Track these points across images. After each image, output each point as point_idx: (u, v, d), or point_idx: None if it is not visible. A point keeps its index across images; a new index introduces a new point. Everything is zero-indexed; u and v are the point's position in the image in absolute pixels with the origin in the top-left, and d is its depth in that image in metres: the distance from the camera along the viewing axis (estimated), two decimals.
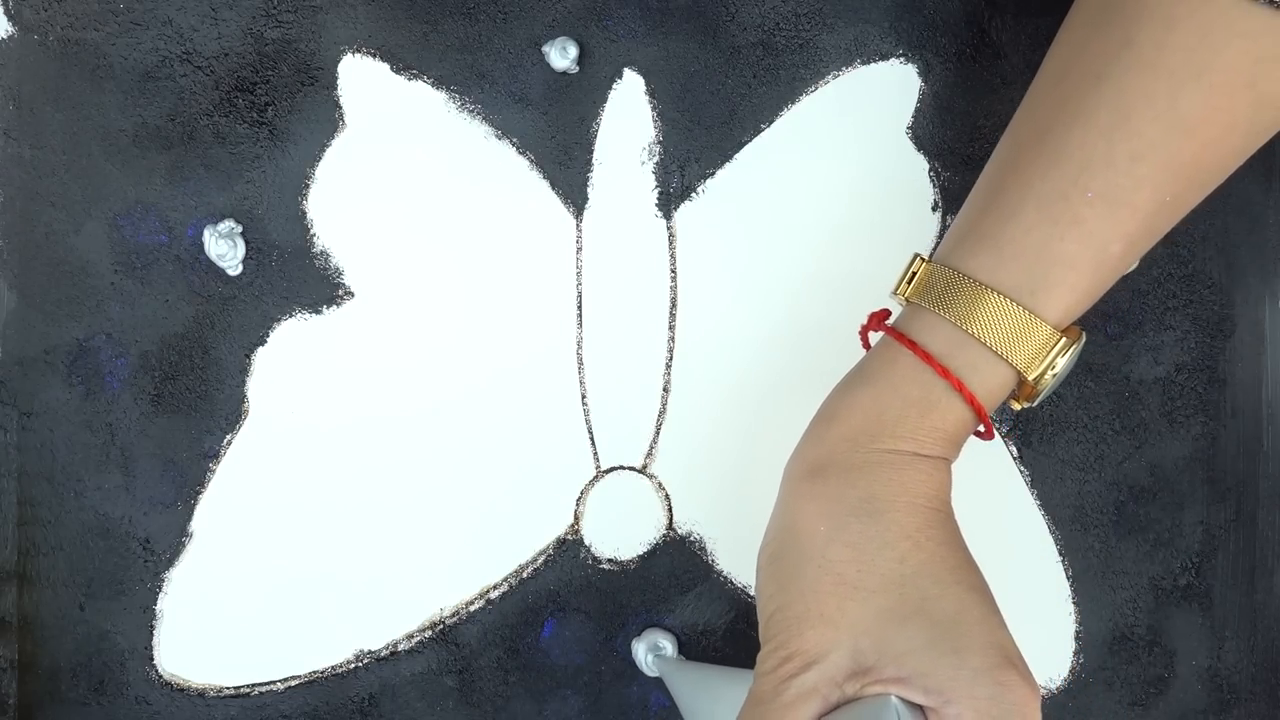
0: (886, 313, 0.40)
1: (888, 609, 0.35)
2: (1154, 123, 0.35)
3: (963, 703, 0.33)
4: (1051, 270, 0.36)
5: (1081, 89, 0.36)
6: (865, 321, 0.41)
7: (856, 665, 0.34)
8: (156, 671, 0.46)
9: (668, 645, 0.46)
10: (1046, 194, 0.36)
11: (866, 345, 0.42)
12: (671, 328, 0.47)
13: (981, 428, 0.38)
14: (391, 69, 0.46)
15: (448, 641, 0.47)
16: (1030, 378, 0.37)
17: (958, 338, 0.37)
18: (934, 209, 0.47)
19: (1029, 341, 0.36)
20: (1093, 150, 0.36)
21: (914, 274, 0.38)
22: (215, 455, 0.46)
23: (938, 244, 0.47)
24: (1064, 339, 0.36)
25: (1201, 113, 0.35)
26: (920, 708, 0.34)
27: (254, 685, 0.46)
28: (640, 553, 0.47)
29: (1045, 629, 0.48)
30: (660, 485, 0.47)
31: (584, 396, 0.47)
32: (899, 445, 0.36)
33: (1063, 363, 0.37)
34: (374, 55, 0.46)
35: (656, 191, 0.47)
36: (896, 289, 0.39)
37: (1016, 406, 0.38)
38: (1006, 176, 0.37)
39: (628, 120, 0.47)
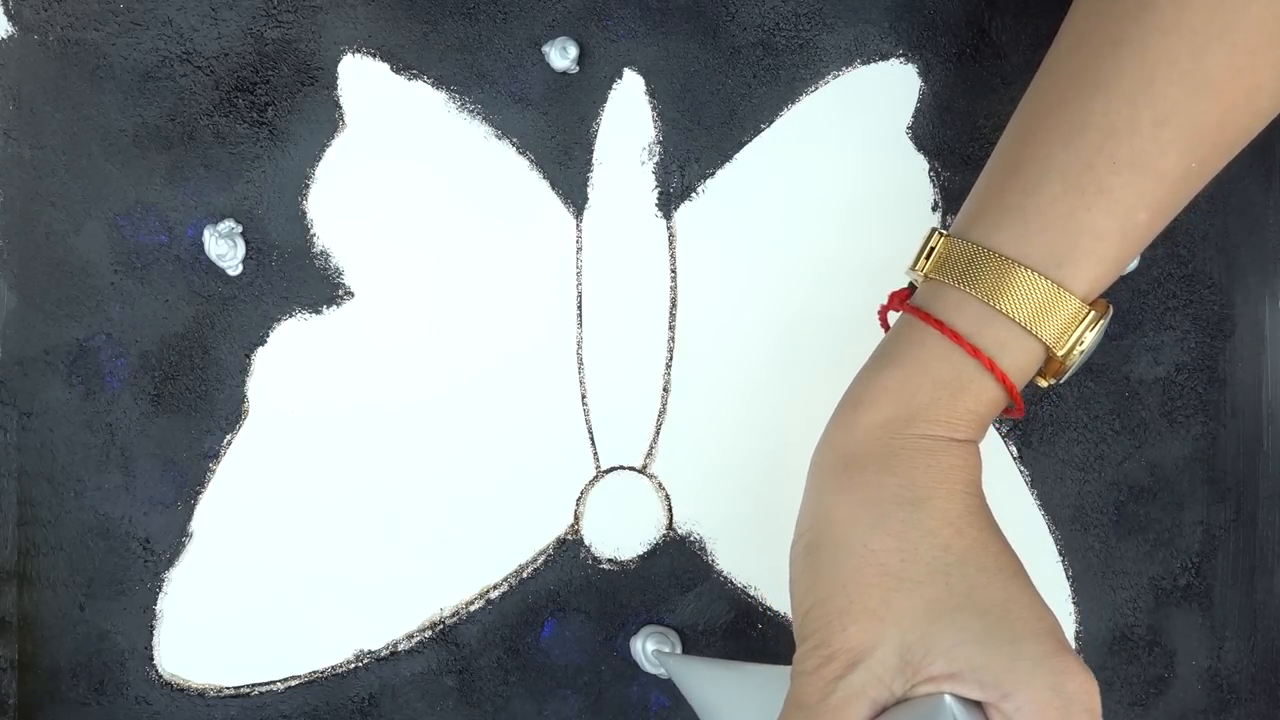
0: (909, 291, 0.39)
1: (935, 600, 0.33)
2: (1178, 85, 0.34)
3: (1022, 695, 0.32)
4: (1080, 241, 0.35)
5: (1101, 55, 0.35)
6: (885, 302, 0.39)
7: (904, 662, 0.33)
8: (156, 671, 0.46)
9: (669, 641, 0.46)
10: (1070, 164, 0.35)
11: (886, 326, 0.40)
12: (671, 328, 0.47)
13: (1011, 404, 0.37)
14: (391, 69, 0.46)
15: (448, 641, 0.47)
16: (1060, 353, 0.36)
17: (985, 315, 0.35)
18: (934, 209, 0.47)
19: (1058, 316, 0.35)
20: (1116, 117, 0.35)
21: (932, 249, 0.37)
22: (215, 455, 0.46)
23: None
24: (1092, 312, 0.35)
25: (1226, 74, 0.34)
26: (976, 703, 0.33)
27: (254, 685, 0.46)
28: (640, 552, 0.47)
29: None
30: (660, 485, 0.47)
31: (584, 396, 0.47)
32: (933, 430, 0.35)
33: (1091, 337, 0.36)
34: (374, 55, 0.46)
35: (656, 191, 0.47)
36: (915, 264, 0.38)
37: (1043, 383, 0.37)
38: (1026, 148, 0.36)
39: (628, 120, 0.47)
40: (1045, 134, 0.36)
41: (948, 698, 0.32)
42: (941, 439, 0.35)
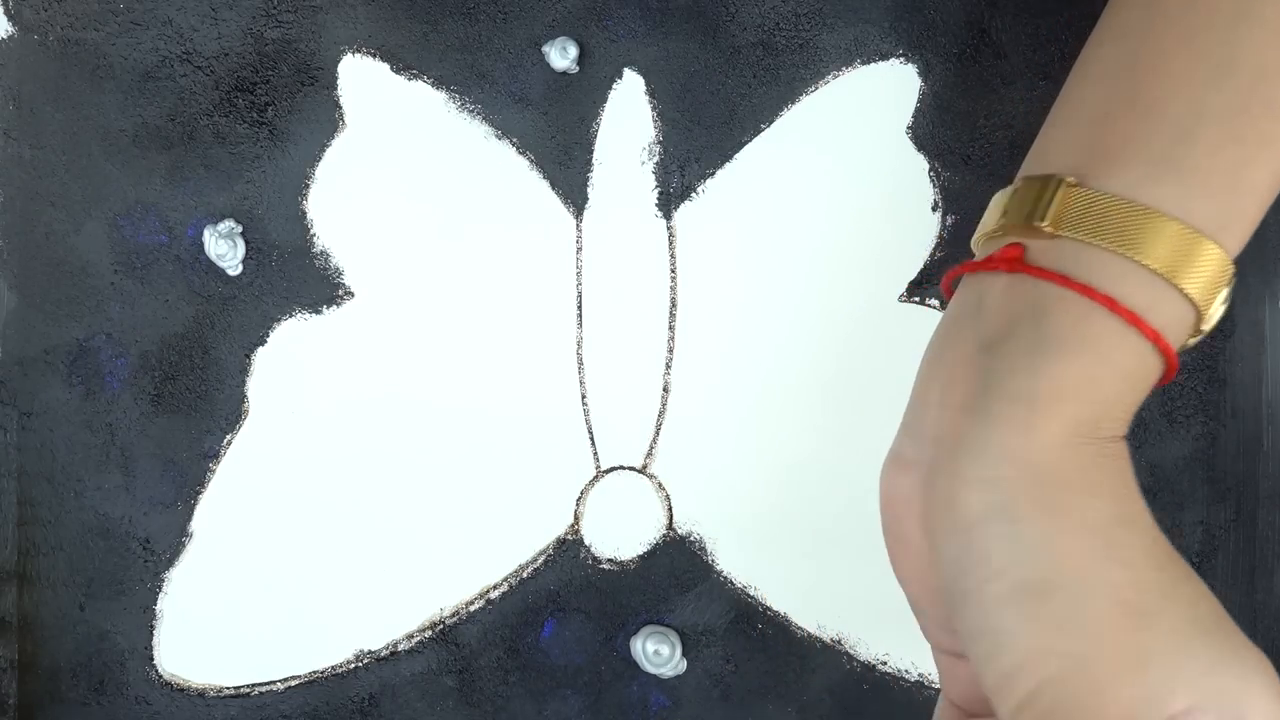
0: (1021, 248, 0.32)
1: (1173, 631, 0.28)
2: None
3: (1256, 709, 0.28)
4: (1245, 199, 0.30)
5: None
6: (981, 258, 0.33)
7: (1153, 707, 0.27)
8: (156, 671, 0.46)
9: (669, 642, 0.46)
10: (1223, 108, 0.30)
11: (949, 293, 0.35)
12: (671, 328, 0.47)
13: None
14: (391, 69, 0.46)
15: (448, 641, 0.47)
16: (1206, 327, 0.31)
17: (1157, 288, 0.30)
18: (934, 209, 0.47)
19: (1218, 285, 0.30)
20: (1265, 53, 0.30)
21: (1052, 197, 0.31)
22: (215, 455, 0.46)
23: (937, 244, 0.47)
24: (1234, 268, 0.31)
25: None
26: None
27: (254, 685, 0.46)
28: (640, 553, 0.47)
29: None
30: (660, 485, 0.47)
31: (584, 396, 0.47)
32: (1117, 430, 0.30)
33: (1226, 292, 0.31)
34: (374, 55, 0.46)
35: (656, 191, 0.47)
36: (1036, 216, 0.31)
37: (1191, 341, 0.32)
38: (1154, 84, 0.31)
39: (628, 120, 0.47)
40: (1180, 70, 0.31)
41: None
42: (1120, 439, 0.31)
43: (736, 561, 0.47)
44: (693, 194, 0.47)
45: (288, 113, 0.46)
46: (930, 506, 0.31)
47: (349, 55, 0.46)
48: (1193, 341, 0.32)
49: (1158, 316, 0.30)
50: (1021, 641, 0.28)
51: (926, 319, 0.48)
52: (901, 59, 0.47)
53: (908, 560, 0.35)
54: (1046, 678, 0.27)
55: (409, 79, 0.46)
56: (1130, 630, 0.28)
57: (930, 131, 0.47)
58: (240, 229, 0.46)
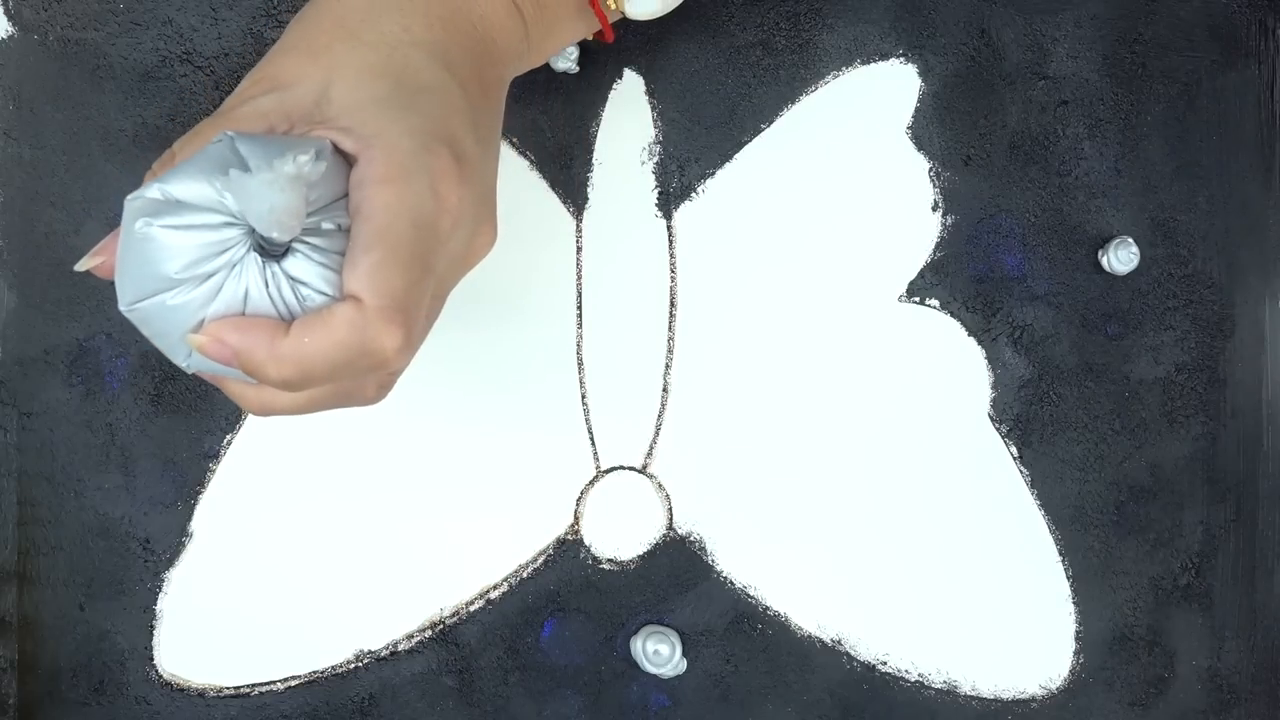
0: None
1: (370, 64, 0.33)
2: None
3: (378, 149, 0.31)
4: None
5: None
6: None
7: (317, 105, 0.33)
8: (156, 671, 0.46)
9: (670, 642, 0.46)
10: None
11: None
12: (671, 328, 0.47)
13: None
14: None
15: (448, 641, 0.47)
16: None
17: None
18: (934, 209, 0.47)
19: None
20: None
21: None
22: (215, 455, 0.46)
23: (937, 244, 0.47)
24: None
25: None
26: (349, 162, 0.32)
27: (254, 685, 0.46)
28: (640, 553, 0.47)
29: (1045, 629, 0.48)
30: (660, 485, 0.47)
31: (584, 396, 0.47)
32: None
33: None
34: None
35: (656, 191, 0.47)
36: None
37: (613, 5, 0.38)
38: None
39: (628, 120, 0.46)
40: None
41: (326, 141, 0.31)
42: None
43: (736, 561, 0.47)
44: (693, 194, 0.47)
45: None
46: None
47: None
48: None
49: None
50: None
51: (926, 319, 0.48)
52: (901, 59, 0.47)
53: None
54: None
55: None
56: (329, 36, 0.34)
57: (930, 131, 0.47)
58: None
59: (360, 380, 0.33)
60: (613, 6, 0.39)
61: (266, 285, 0.31)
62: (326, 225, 0.31)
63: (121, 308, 0.31)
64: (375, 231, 0.31)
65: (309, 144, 0.30)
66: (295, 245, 0.31)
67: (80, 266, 0.33)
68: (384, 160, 0.31)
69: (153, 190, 0.30)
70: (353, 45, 0.34)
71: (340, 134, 0.32)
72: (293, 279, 0.31)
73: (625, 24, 0.46)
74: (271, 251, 0.30)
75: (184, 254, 0.30)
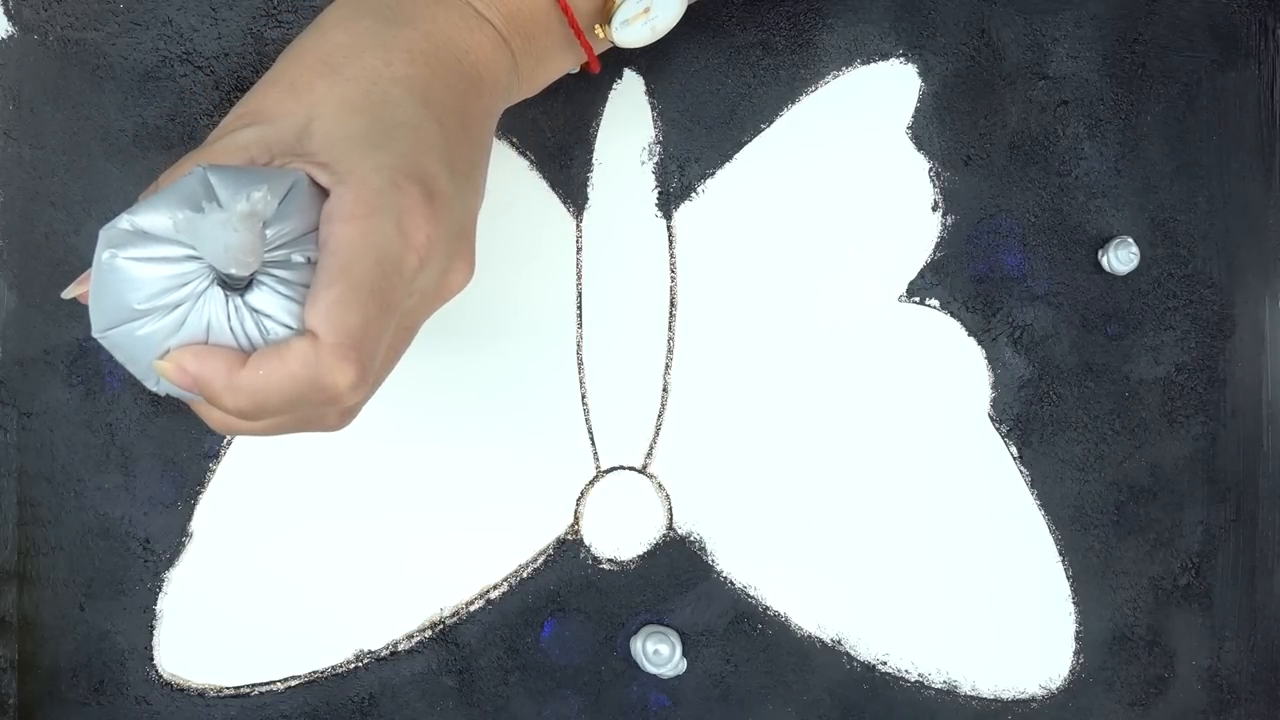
0: None
1: (349, 99, 0.33)
2: None
3: (349, 184, 0.32)
4: None
5: None
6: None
7: (297, 139, 0.33)
8: (156, 671, 0.46)
9: (670, 641, 0.46)
10: None
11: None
12: (671, 328, 0.47)
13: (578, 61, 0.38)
14: None
15: (448, 641, 0.47)
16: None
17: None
18: (934, 209, 0.47)
19: None
20: None
21: None
22: (215, 455, 0.46)
23: (937, 244, 0.47)
24: None
25: None
26: (325, 195, 0.32)
27: (254, 685, 0.46)
28: (640, 553, 0.47)
29: (1045, 629, 0.48)
30: (660, 485, 0.47)
31: (584, 396, 0.47)
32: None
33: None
34: None
35: (656, 191, 0.47)
36: None
37: (601, 34, 0.38)
38: None
39: (628, 120, 0.46)
40: None
41: (301, 173, 0.32)
42: (465, 1, 0.36)
43: (736, 561, 0.47)
44: (693, 194, 0.47)
45: None
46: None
47: None
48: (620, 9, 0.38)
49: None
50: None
51: (926, 319, 0.48)
52: (901, 59, 0.47)
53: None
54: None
55: None
56: (311, 71, 0.34)
57: (930, 131, 0.47)
58: None
59: (318, 411, 0.33)
60: (600, 36, 0.39)
61: (229, 317, 0.31)
62: (296, 258, 0.31)
63: (94, 334, 0.32)
64: (338, 267, 0.31)
65: (282, 176, 0.31)
66: (260, 278, 0.31)
67: (66, 294, 0.34)
68: (353, 196, 0.31)
69: (123, 221, 0.31)
70: (334, 80, 0.34)
71: (317, 168, 0.32)
72: (255, 311, 0.31)
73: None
74: (234, 285, 0.31)
75: (148, 285, 0.31)
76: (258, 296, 0.31)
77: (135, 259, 0.31)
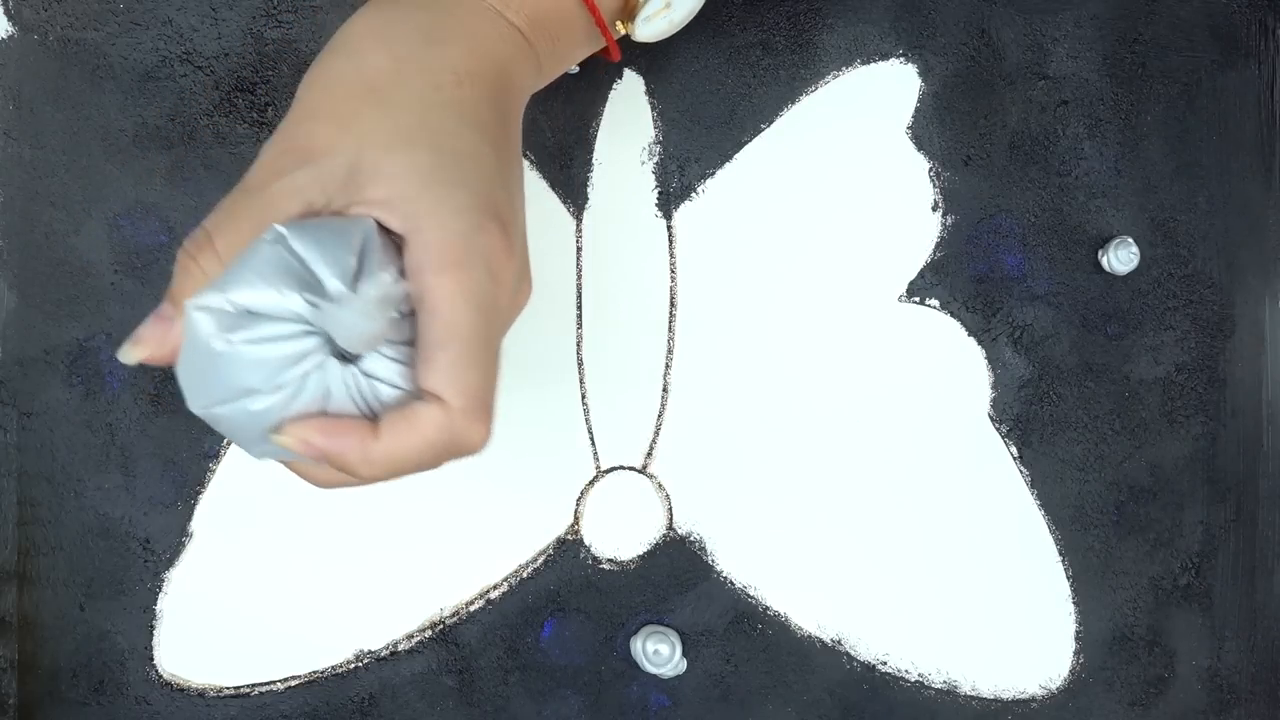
0: None
1: (403, 129, 0.32)
2: None
3: (432, 232, 0.31)
4: None
5: None
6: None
7: (350, 176, 0.32)
8: (156, 671, 0.46)
9: (670, 641, 0.46)
10: None
11: None
12: (671, 328, 0.47)
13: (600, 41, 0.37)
14: None
15: (448, 641, 0.47)
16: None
17: None
18: (934, 209, 0.47)
19: None
20: None
21: None
22: (215, 455, 0.46)
23: (937, 244, 0.47)
24: None
25: None
26: (396, 242, 0.32)
27: (254, 685, 0.46)
28: (640, 553, 0.47)
29: (1045, 629, 0.48)
30: (660, 485, 0.47)
31: (584, 396, 0.47)
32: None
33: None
34: None
35: (656, 191, 0.47)
36: None
37: (622, 30, 0.38)
38: None
39: (628, 120, 0.46)
40: None
41: (371, 221, 0.31)
42: (492, 8, 0.35)
43: (736, 561, 0.47)
44: (693, 194, 0.47)
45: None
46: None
47: None
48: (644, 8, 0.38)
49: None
50: (299, 89, 0.34)
51: (926, 319, 0.48)
52: (901, 59, 0.47)
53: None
54: (290, 112, 0.34)
55: None
56: (357, 101, 0.33)
57: (930, 131, 0.47)
58: None
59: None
60: (621, 30, 0.39)
61: (346, 385, 0.31)
62: (392, 314, 0.31)
63: (195, 410, 0.31)
64: (445, 327, 0.31)
65: (356, 228, 0.31)
66: None
67: (127, 359, 0.33)
68: (439, 247, 0.31)
69: (217, 299, 0.30)
70: (383, 109, 0.33)
71: (383, 210, 0.32)
72: (369, 375, 0.31)
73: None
74: (351, 356, 0.31)
75: (266, 366, 0.30)
76: (370, 362, 0.31)
77: (249, 341, 0.30)
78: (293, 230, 0.30)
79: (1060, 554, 0.48)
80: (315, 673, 0.46)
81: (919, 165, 0.47)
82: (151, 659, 0.46)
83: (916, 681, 0.48)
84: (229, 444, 0.46)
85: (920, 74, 0.47)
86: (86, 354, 0.46)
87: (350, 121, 0.33)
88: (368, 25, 0.35)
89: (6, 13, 0.45)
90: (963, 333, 0.48)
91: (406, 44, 0.34)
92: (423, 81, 0.33)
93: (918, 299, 0.47)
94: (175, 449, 0.46)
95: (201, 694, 0.46)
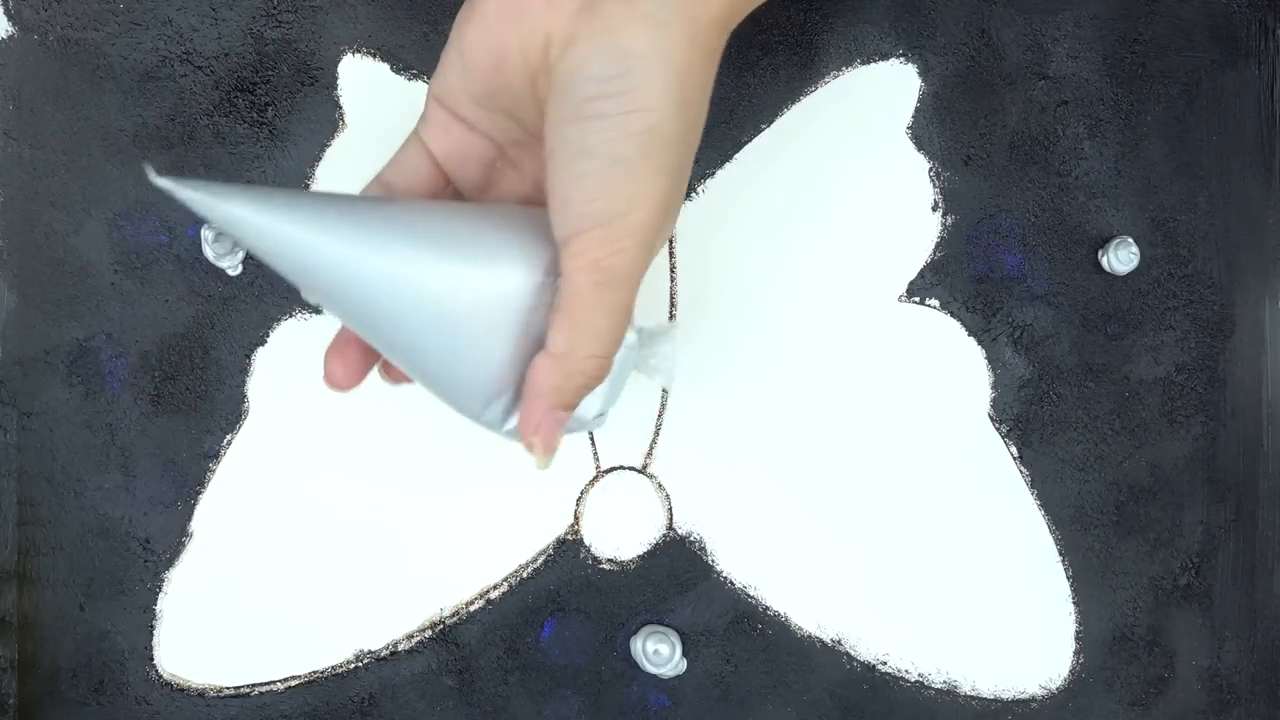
0: None
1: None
2: None
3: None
4: None
5: None
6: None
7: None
8: (156, 671, 0.46)
9: (670, 641, 0.46)
10: None
11: None
12: None
13: None
14: (391, 69, 0.46)
15: (448, 641, 0.47)
16: None
17: None
18: (934, 209, 0.47)
19: None
20: None
21: None
22: (215, 455, 0.46)
23: (937, 244, 0.47)
24: None
25: None
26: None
27: (254, 685, 0.46)
28: (640, 553, 0.47)
29: (1045, 629, 0.48)
30: (660, 485, 0.47)
31: None
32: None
33: None
34: (374, 55, 0.46)
35: None
36: None
37: None
38: None
39: None
40: None
41: (674, 329, 0.38)
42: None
43: (736, 561, 0.47)
44: (693, 194, 0.47)
45: (288, 113, 0.46)
46: (586, 28, 0.32)
47: (349, 55, 0.46)
48: None
49: None
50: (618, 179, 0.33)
51: (926, 319, 0.48)
52: (901, 59, 0.47)
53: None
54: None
55: (409, 79, 0.46)
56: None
57: (930, 131, 0.47)
58: None
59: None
60: None
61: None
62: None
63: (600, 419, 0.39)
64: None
65: (670, 332, 0.39)
66: None
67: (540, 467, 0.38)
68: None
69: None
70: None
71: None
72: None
73: None
74: None
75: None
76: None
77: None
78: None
79: (1060, 554, 0.48)
80: (315, 673, 0.46)
81: (919, 165, 0.47)
82: (151, 659, 0.46)
83: (916, 681, 0.48)
84: (229, 444, 0.46)
85: (920, 74, 0.47)
86: (86, 354, 0.46)
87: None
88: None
89: (6, 13, 0.45)
90: (963, 333, 0.48)
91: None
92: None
93: (918, 299, 0.47)
94: (175, 449, 0.46)
95: (201, 694, 0.46)
